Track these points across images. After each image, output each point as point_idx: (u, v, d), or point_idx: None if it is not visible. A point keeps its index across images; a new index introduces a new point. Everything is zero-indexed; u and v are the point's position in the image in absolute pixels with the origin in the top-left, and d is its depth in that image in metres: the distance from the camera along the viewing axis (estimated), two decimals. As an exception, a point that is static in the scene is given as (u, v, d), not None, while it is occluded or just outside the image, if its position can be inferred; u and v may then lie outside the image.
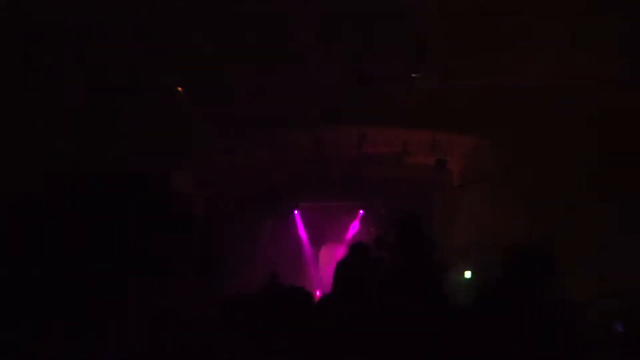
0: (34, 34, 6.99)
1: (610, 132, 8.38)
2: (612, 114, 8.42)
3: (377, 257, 6.05)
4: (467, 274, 10.47)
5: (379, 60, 8.52)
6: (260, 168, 11.96)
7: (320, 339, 2.44)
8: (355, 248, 6.08)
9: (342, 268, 6.10)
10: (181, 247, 1.27)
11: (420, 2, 6.81)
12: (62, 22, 6.86)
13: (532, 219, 9.34)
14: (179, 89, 10.45)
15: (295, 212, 14.95)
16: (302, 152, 11.12)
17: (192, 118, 10.03)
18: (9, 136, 7.56)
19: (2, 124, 7.47)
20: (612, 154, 8.42)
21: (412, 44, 7.38)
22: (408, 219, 5.61)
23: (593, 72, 8.05)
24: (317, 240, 14.75)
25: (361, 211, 14.47)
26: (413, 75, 9.87)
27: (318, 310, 2.77)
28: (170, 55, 8.01)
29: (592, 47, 7.55)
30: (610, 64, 7.77)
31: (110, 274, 1.16)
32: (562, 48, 7.65)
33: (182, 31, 7.50)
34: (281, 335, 2.44)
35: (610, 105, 8.33)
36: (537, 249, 3.22)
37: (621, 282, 7.56)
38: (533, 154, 9.33)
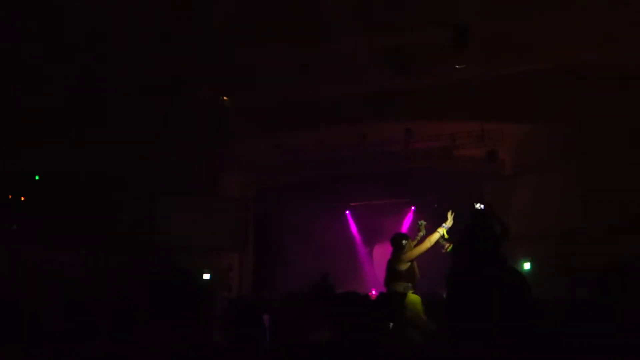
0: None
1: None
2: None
3: None
4: (526, 266, 10.19)
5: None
6: (307, 167, 11.93)
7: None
8: (396, 241, 6.04)
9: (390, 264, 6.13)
10: None
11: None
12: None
13: (586, 208, 9.00)
14: (225, 98, 10.55)
15: (347, 212, 14.95)
16: (347, 149, 11.00)
17: (235, 120, 10.09)
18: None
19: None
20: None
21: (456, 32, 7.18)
22: (480, 211, 5.38)
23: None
24: (370, 239, 14.67)
25: (413, 207, 14.31)
26: (457, 66, 9.66)
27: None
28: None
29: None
30: None
31: None
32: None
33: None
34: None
35: None
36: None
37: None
38: (587, 140, 9.00)
